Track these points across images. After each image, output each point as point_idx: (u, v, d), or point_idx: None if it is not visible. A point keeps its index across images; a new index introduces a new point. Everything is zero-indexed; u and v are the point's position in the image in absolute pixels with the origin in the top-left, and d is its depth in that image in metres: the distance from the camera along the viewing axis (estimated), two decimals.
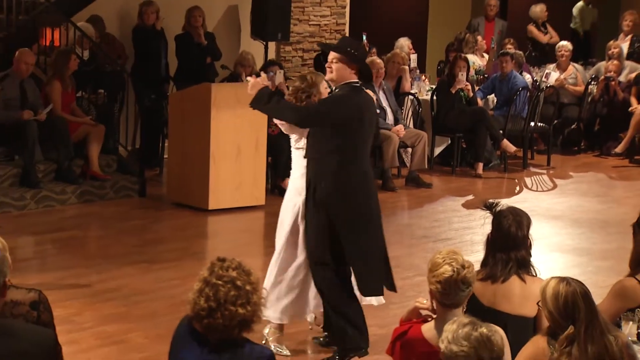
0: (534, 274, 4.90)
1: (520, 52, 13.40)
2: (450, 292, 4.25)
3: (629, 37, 14.24)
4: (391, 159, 11.01)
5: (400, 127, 11.16)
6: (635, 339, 4.72)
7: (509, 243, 4.82)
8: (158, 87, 11.33)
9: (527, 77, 13.01)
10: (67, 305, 6.96)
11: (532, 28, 14.78)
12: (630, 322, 4.83)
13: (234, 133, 9.83)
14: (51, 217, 9.46)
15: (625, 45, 14.07)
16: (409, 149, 11.35)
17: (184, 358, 3.77)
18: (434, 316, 4.38)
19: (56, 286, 7.32)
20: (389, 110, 11.32)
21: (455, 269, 4.24)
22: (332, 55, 6.08)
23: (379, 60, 11.43)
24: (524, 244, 4.89)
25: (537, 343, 4.11)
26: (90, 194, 10.08)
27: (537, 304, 4.28)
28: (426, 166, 11.50)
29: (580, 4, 15.55)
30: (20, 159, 9.85)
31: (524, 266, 4.84)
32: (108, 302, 7.23)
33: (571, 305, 4.00)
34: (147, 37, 11.24)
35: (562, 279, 4.08)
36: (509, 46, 13.64)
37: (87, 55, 10.97)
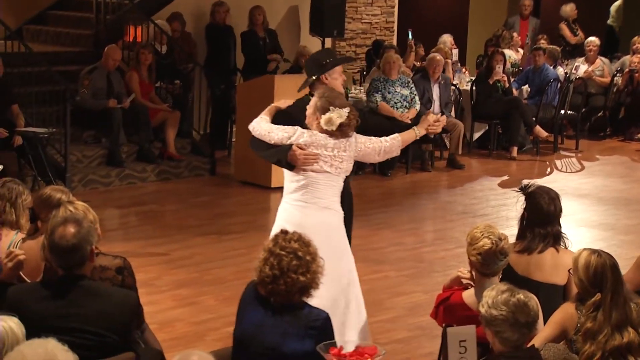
0: (565, 246, 4.85)
1: (557, 47, 13.20)
2: (490, 262, 4.22)
3: None
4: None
5: (441, 117, 11.01)
6: None
7: (546, 219, 4.78)
8: (227, 78, 11.35)
9: (560, 70, 12.83)
10: (147, 271, 7.01)
11: (563, 26, 14.55)
12: None
13: None
14: (133, 193, 9.54)
15: None
16: (449, 134, 11.29)
17: (250, 318, 3.78)
18: (473, 284, 4.36)
19: (137, 254, 7.37)
20: (436, 103, 11.22)
21: (494, 242, 4.21)
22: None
23: (439, 57, 11.29)
24: (558, 220, 4.84)
25: (567, 309, 4.06)
26: (167, 172, 10.14)
27: (569, 271, 4.24)
28: (460, 152, 11.41)
29: (618, 2, 15.23)
30: (106, 142, 9.96)
31: (558, 239, 4.79)
32: (182, 268, 7.27)
33: (600, 275, 3.95)
34: (219, 33, 11.26)
35: (594, 251, 4.04)
36: (542, 42, 13.46)
37: (164, 50, 11.02)
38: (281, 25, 12.47)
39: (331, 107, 4.96)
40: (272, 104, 5.32)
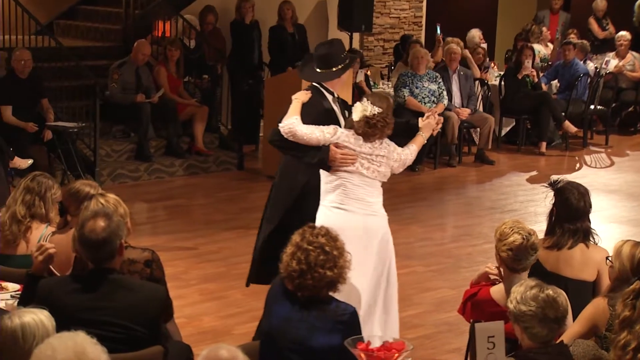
0: (595, 242, 4.82)
1: (586, 42, 13.10)
2: (521, 257, 4.20)
3: None
4: (450, 136, 10.87)
5: (463, 110, 11.01)
6: None
7: (576, 215, 4.76)
8: (253, 73, 11.37)
9: (590, 65, 12.73)
10: (175, 265, 7.04)
11: (592, 20, 14.42)
12: None
13: None
14: (161, 187, 9.58)
15: None
16: (478, 129, 11.23)
17: (277, 312, 3.79)
18: (501, 280, 4.34)
19: (166, 247, 7.41)
20: (457, 94, 11.18)
21: (524, 237, 4.20)
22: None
23: (455, 47, 11.25)
24: (588, 216, 4.82)
25: (598, 304, 4.04)
26: (195, 167, 10.18)
27: (607, 259, 4.23)
28: (489, 147, 11.35)
29: None
30: (135, 136, 10.00)
31: (588, 235, 4.77)
32: (210, 262, 7.30)
33: None
34: (244, 29, 11.28)
35: (635, 242, 4.03)
36: (572, 36, 13.35)
37: (193, 45, 11.06)
38: (309, 20, 12.47)
39: (364, 99, 5.00)
40: (296, 100, 5.24)
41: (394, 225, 8.38)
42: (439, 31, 12.22)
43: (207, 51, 11.01)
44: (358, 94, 10.57)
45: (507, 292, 4.11)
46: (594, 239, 4.81)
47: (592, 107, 12.29)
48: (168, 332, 4.10)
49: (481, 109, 11.62)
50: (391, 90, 11.05)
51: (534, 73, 11.88)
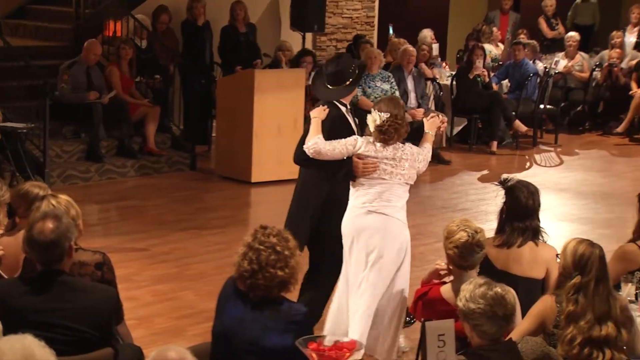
0: (544, 241, 4.88)
1: (535, 42, 13.24)
2: (467, 255, 4.25)
3: (637, 28, 14.02)
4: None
5: (418, 110, 11.08)
6: (633, 298, 4.69)
7: (525, 213, 4.81)
8: (206, 73, 11.32)
9: (539, 65, 12.88)
10: (127, 266, 6.99)
11: (541, 20, 14.59)
12: (629, 284, 4.80)
13: (275, 113, 9.81)
14: (113, 188, 9.50)
15: (632, 36, 13.86)
16: None
17: (229, 313, 3.78)
18: (452, 278, 4.38)
19: (118, 249, 7.35)
20: (412, 95, 11.25)
21: (470, 234, 4.25)
22: None
23: (411, 48, 11.32)
24: (537, 214, 4.87)
25: (546, 302, 4.09)
26: (147, 167, 10.11)
27: (557, 256, 4.29)
28: (444, 144, 11.44)
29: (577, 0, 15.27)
30: (86, 137, 9.90)
31: (537, 233, 4.82)
32: (163, 263, 7.26)
33: (585, 260, 4.02)
34: (196, 29, 11.23)
35: (590, 241, 4.09)
36: (522, 36, 13.50)
37: (145, 45, 10.98)
38: (262, 20, 12.45)
39: (372, 110, 5.18)
40: (315, 119, 5.40)
41: None
42: (391, 31, 12.28)
43: (160, 51, 10.94)
44: (311, 94, 10.60)
45: (457, 290, 4.15)
46: (542, 237, 4.87)
47: (541, 106, 12.44)
48: (119, 334, 4.07)
49: (433, 108, 11.69)
50: None
51: (485, 73, 11.99)
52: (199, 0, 11.24)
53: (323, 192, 5.62)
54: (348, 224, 5.24)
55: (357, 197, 5.22)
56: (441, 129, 5.59)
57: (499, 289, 3.63)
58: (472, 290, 3.64)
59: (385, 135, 5.15)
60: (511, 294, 3.66)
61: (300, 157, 5.40)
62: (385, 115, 5.11)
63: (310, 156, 5.28)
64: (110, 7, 10.78)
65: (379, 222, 5.14)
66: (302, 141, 5.40)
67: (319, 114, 5.42)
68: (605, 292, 3.96)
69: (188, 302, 6.44)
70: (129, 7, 10.93)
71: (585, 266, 3.99)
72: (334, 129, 5.40)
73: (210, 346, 3.87)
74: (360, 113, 9.96)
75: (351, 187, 5.28)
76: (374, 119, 5.14)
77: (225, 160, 10.12)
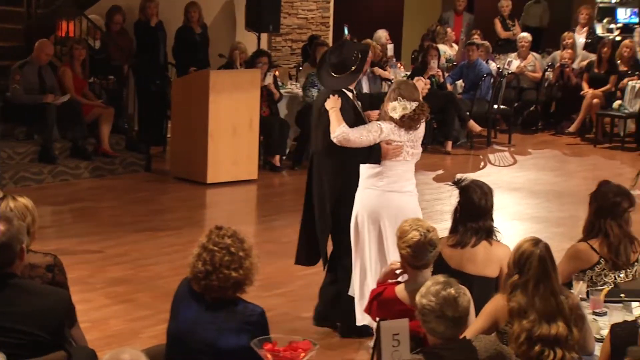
0: (497, 239, 4.92)
1: (488, 43, 13.35)
2: (420, 254, 4.27)
3: (585, 29, 14.21)
4: None
5: (374, 112, 11.08)
6: (585, 296, 4.75)
7: (479, 213, 4.84)
8: (160, 74, 11.26)
9: (493, 65, 12.98)
10: (81, 268, 6.92)
11: (497, 21, 14.73)
12: (581, 282, 4.86)
13: (230, 114, 9.79)
14: (66, 190, 9.40)
15: (582, 37, 14.04)
16: None
17: (184, 315, 3.77)
18: (407, 278, 4.39)
19: (72, 251, 7.28)
20: None
21: (422, 233, 4.27)
22: None
23: None
24: (490, 214, 4.91)
25: (498, 300, 4.12)
26: (101, 169, 10.02)
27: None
28: None
29: (530, 2, 15.44)
30: (39, 138, 9.79)
31: (491, 233, 4.86)
32: (117, 265, 7.20)
33: (524, 261, 4.05)
34: (149, 30, 11.16)
35: (533, 239, 4.12)
36: (475, 37, 13.60)
37: (98, 45, 10.89)
38: (216, 20, 12.40)
39: (399, 98, 5.47)
40: (333, 109, 5.58)
41: None
42: (346, 32, 12.30)
43: (114, 51, 10.85)
44: (267, 95, 10.58)
45: (411, 290, 4.17)
46: (496, 236, 4.91)
47: (495, 106, 12.55)
48: (72, 337, 4.03)
49: None
50: (299, 91, 11.08)
51: (440, 73, 12.05)
52: (152, 0, 11.17)
53: (339, 182, 5.82)
54: (373, 205, 5.52)
55: (380, 179, 5.50)
56: (424, 92, 5.80)
57: (453, 290, 3.64)
58: (429, 286, 3.66)
59: (413, 122, 5.49)
60: (466, 298, 3.66)
61: (330, 147, 5.55)
62: (414, 104, 5.44)
63: (338, 144, 5.47)
64: (62, 7, 10.66)
65: (404, 201, 5.55)
66: (323, 133, 5.58)
67: (334, 103, 5.59)
68: (546, 292, 3.99)
69: (143, 304, 6.40)
70: (82, 7, 10.82)
71: (524, 265, 4.03)
72: (343, 115, 5.58)
73: (165, 348, 3.84)
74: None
75: (368, 171, 5.55)
76: (404, 107, 5.44)
77: (181, 161, 10.07)
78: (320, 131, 5.66)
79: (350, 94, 5.82)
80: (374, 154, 5.50)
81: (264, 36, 12.31)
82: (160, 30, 11.24)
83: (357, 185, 5.67)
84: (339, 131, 5.45)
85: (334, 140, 5.47)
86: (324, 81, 5.97)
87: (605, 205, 5.02)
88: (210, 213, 9.25)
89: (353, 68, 5.80)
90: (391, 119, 5.49)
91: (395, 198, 5.54)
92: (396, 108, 5.45)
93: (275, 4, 11.85)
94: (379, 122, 5.55)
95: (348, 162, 5.66)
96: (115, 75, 10.71)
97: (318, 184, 5.94)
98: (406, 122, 5.48)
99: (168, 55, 11.46)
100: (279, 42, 13.12)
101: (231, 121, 9.81)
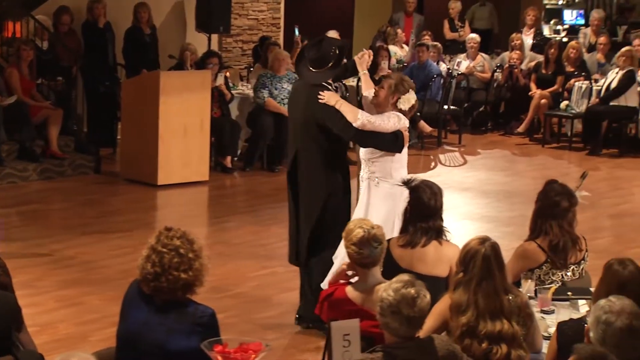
0: (447, 239, 4.96)
1: (440, 44, 13.45)
2: (365, 250, 4.29)
3: (532, 30, 14.37)
4: None
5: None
6: (533, 295, 4.80)
7: (428, 213, 4.88)
8: (109, 75, 11.16)
9: (443, 66, 13.08)
10: (29, 272, 6.85)
11: (445, 22, 14.84)
12: (529, 281, 4.91)
13: (181, 115, 9.74)
14: (14, 193, 9.28)
15: (529, 38, 14.20)
16: None
17: (134, 317, 3.74)
18: (357, 278, 4.41)
19: (20, 254, 7.19)
20: None
21: (365, 230, 4.31)
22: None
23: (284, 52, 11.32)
24: (440, 214, 4.95)
25: (447, 300, 4.15)
26: (50, 171, 9.90)
27: None
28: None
29: (475, 5, 15.58)
30: None
31: (440, 233, 4.90)
32: (67, 268, 7.13)
33: (469, 259, 4.09)
34: (97, 31, 11.06)
35: (481, 238, 4.15)
36: (426, 38, 13.69)
37: (46, 46, 10.76)
38: (166, 21, 12.33)
39: (410, 90, 5.82)
40: (339, 101, 5.80)
41: (255, 227, 8.47)
42: (297, 33, 12.30)
43: (62, 52, 10.74)
44: (218, 96, 10.54)
45: (361, 290, 4.20)
46: (446, 236, 4.95)
47: (445, 107, 12.64)
48: (20, 341, 3.98)
49: None
50: (250, 92, 11.06)
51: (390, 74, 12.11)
52: (99, 1, 11.07)
53: (334, 176, 5.97)
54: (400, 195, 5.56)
55: (397, 170, 5.75)
56: (368, 64, 6.06)
57: (413, 290, 3.66)
58: (393, 282, 3.70)
59: (412, 112, 5.88)
60: (426, 300, 3.67)
61: (354, 135, 5.72)
62: (414, 96, 5.83)
63: (360, 128, 5.64)
64: (9, 7, 10.51)
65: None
66: (343, 126, 5.70)
67: (334, 96, 5.80)
68: (490, 290, 4.03)
69: (93, 307, 6.34)
70: (29, 7, 10.68)
71: (469, 264, 4.07)
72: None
73: (114, 351, 3.81)
74: (266, 115, 10.02)
75: (394, 165, 5.77)
76: (413, 97, 5.81)
77: (131, 163, 10.00)
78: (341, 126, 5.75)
79: (331, 88, 5.96)
80: (400, 141, 5.74)
81: (215, 37, 12.27)
82: (109, 31, 11.15)
83: (345, 179, 5.92)
84: (361, 117, 5.64)
85: (358, 125, 5.62)
86: (302, 75, 6.05)
87: (546, 205, 5.09)
88: (161, 215, 9.20)
89: (331, 63, 5.89)
90: (400, 110, 5.75)
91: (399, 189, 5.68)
92: (409, 100, 5.76)
93: (225, 5, 11.82)
94: (393, 112, 5.75)
95: (338, 154, 5.94)
96: (64, 77, 10.59)
97: (307, 180, 5.96)
98: (409, 113, 5.80)
99: (117, 56, 11.37)
100: (230, 43, 13.08)
101: (182, 122, 9.76)
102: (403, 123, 5.74)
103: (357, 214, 5.80)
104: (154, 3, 11.67)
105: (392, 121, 5.68)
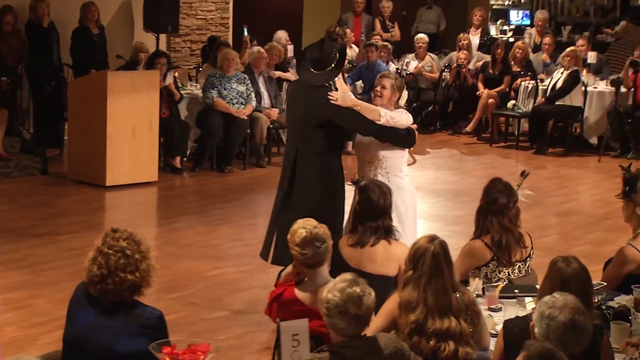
0: (396, 239, 4.99)
1: (389, 45, 13.50)
2: (308, 250, 4.30)
3: (479, 30, 14.50)
4: (260, 137, 10.98)
5: (273, 110, 11.15)
6: (480, 293, 4.85)
7: (377, 212, 4.90)
8: (55, 75, 11.03)
9: (392, 66, 13.13)
10: None
11: (377, 22, 14.88)
12: (477, 279, 4.96)
13: (129, 115, 9.66)
14: None
15: (476, 38, 14.32)
16: (286, 130, 11.31)
17: (80, 319, 3.71)
18: (306, 279, 4.42)
19: None
20: (265, 95, 11.29)
21: (308, 230, 4.31)
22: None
23: (262, 50, 11.38)
24: (389, 213, 4.97)
25: (395, 298, 4.18)
26: None
27: None
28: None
29: (422, 8, 15.68)
30: None
31: (389, 232, 4.92)
32: (14, 270, 7.03)
33: (419, 257, 4.12)
34: (41, 30, 10.92)
35: (429, 236, 4.18)
36: (376, 38, 13.75)
37: None
38: (114, 21, 12.22)
39: (405, 86, 6.19)
40: (353, 100, 6.08)
41: (205, 227, 8.44)
42: (246, 33, 12.27)
43: (6, 52, 10.59)
44: (167, 96, 10.47)
45: (310, 290, 4.20)
46: (395, 235, 4.97)
47: None
48: None
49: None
50: (199, 92, 11.01)
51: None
52: (43, 0, 10.93)
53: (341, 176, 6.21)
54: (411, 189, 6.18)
55: (404, 164, 6.11)
56: None
57: (359, 289, 3.68)
58: (336, 282, 3.71)
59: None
60: (370, 298, 3.69)
61: (375, 132, 5.95)
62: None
63: (384, 124, 5.90)
64: None
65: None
66: (364, 125, 5.97)
67: (349, 97, 6.07)
68: (439, 287, 4.07)
69: (40, 309, 6.27)
70: None
71: (418, 261, 4.10)
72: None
73: (61, 354, 3.77)
74: (216, 114, 9.98)
75: (402, 161, 6.13)
76: (405, 95, 6.21)
77: (79, 163, 9.89)
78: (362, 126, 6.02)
79: (332, 89, 6.14)
80: (412, 136, 6.10)
81: (163, 37, 12.19)
82: (53, 30, 11.02)
83: (341, 177, 6.13)
84: (384, 114, 5.91)
85: (383, 121, 5.88)
86: (304, 77, 6.16)
87: (486, 202, 5.15)
88: (109, 216, 9.12)
89: (332, 65, 6.06)
90: (399, 106, 6.10)
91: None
92: (404, 97, 6.19)
93: (173, 5, 11.76)
94: (401, 109, 6.10)
95: (337, 154, 6.24)
96: (9, 77, 10.44)
97: (304, 178, 6.05)
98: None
99: (63, 56, 11.24)
100: (178, 43, 13.01)
101: (130, 123, 9.68)
102: (411, 119, 6.08)
103: None
104: (101, 2, 11.56)
105: (405, 117, 6.00)
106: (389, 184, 5.83)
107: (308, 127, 6.02)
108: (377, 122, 5.90)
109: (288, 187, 6.10)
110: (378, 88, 6.08)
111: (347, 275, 3.75)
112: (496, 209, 5.07)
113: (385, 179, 5.93)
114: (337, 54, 6.08)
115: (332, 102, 5.92)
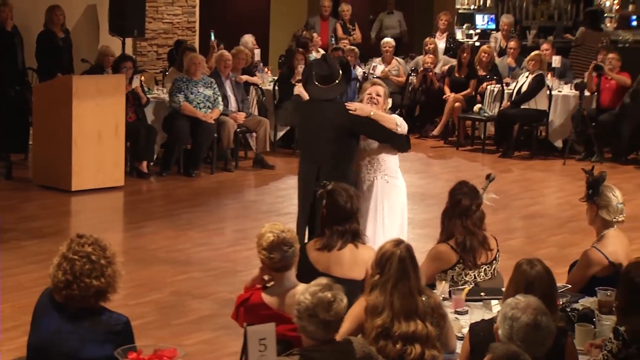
0: (363, 242, 5.00)
1: (357, 49, 13.53)
2: (276, 254, 4.30)
3: (445, 34, 14.58)
4: (227, 141, 10.96)
5: (240, 114, 11.14)
6: (447, 296, 4.87)
7: (344, 216, 4.91)
8: (20, 79, 10.94)
9: (359, 70, 13.17)
10: None
11: (338, 26, 14.91)
12: (443, 282, 4.98)
13: (95, 120, 9.60)
14: None
15: (442, 42, 14.40)
16: (254, 134, 11.32)
17: (45, 326, 3.69)
18: (273, 283, 4.41)
19: None
20: (232, 99, 11.28)
21: (275, 234, 4.32)
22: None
23: (227, 54, 11.37)
24: (356, 217, 4.98)
25: (362, 302, 4.19)
26: None
27: None
28: (268, 149, 11.51)
29: (382, 14, 15.74)
30: None
31: (357, 236, 4.93)
32: None
33: (385, 261, 4.13)
34: (5, 35, 10.82)
35: (395, 240, 4.20)
36: (344, 42, 13.77)
37: None
38: (79, 25, 12.15)
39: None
40: (371, 110, 6.24)
41: (172, 232, 8.40)
42: (212, 37, 12.25)
43: None
44: (133, 100, 10.42)
45: (277, 294, 4.20)
46: (362, 239, 4.98)
47: None
48: None
49: (256, 113, 11.76)
50: (166, 96, 10.97)
51: None
52: (6, 5, 10.85)
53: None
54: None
55: (397, 166, 6.42)
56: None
57: (330, 294, 3.68)
58: (310, 285, 3.73)
59: None
60: (341, 304, 3.70)
61: (398, 139, 6.31)
62: None
63: (402, 133, 6.28)
64: None
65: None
66: (384, 133, 6.21)
67: (366, 106, 6.25)
68: (406, 291, 4.08)
69: (4, 316, 6.19)
70: None
71: (385, 265, 4.12)
72: None
73: None
74: (182, 118, 9.93)
75: (396, 162, 6.41)
76: (390, 100, 6.50)
77: (44, 168, 9.81)
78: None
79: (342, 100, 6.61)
80: (409, 141, 6.49)
81: (129, 41, 12.13)
82: (16, 34, 10.93)
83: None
84: (400, 122, 6.26)
85: (400, 129, 6.23)
86: (312, 92, 6.38)
87: (450, 205, 5.19)
88: (75, 221, 9.05)
89: (337, 80, 6.34)
90: (391, 113, 6.49)
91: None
92: (390, 102, 6.48)
93: (139, 9, 11.72)
94: (395, 114, 6.58)
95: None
96: None
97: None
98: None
99: (28, 60, 11.14)
100: (144, 47, 12.95)
101: (96, 127, 9.62)
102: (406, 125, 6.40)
103: (368, 207, 6.28)
104: (66, 6, 11.48)
105: (405, 124, 6.34)
106: (387, 184, 6.29)
107: (327, 142, 6.21)
108: (395, 130, 6.21)
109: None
110: (374, 95, 6.29)
111: (323, 280, 3.76)
112: (460, 211, 5.10)
113: (384, 180, 6.30)
114: (341, 69, 6.39)
115: (351, 112, 6.16)
